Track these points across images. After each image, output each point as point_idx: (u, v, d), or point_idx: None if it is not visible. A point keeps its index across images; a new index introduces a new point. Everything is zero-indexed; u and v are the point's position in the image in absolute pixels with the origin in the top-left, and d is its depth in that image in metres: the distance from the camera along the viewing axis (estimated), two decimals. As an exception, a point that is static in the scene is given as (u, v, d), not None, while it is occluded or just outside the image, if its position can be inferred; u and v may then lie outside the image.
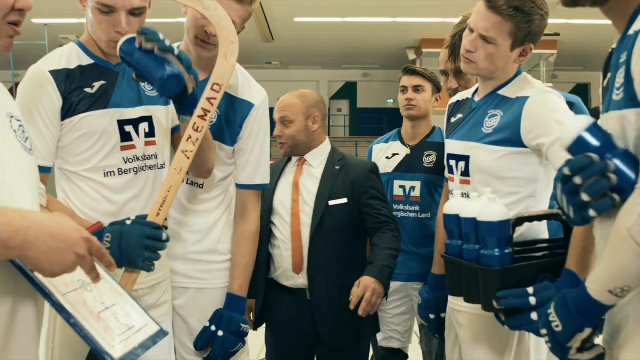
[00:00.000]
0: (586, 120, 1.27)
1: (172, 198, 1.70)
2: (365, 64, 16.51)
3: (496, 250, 1.57)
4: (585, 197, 1.16)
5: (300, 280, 2.44)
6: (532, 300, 1.47)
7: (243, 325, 2.01)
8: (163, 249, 1.65)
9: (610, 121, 1.28)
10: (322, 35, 12.71)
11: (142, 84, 1.88)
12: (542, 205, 1.95)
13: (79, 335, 1.13)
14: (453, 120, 2.13)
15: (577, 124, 1.26)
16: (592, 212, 1.17)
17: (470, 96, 2.11)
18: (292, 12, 11.06)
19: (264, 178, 2.16)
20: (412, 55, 13.23)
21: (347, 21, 11.27)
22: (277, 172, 2.62)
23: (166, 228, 1.70)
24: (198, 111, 1.76)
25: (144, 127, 1.85)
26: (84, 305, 1.18)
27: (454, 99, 2.22)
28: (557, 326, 1.26)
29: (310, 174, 2.57)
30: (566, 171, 1.19)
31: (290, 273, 2.43)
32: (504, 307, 1.52)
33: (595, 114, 2.52)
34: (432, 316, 2.22)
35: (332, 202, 2.49)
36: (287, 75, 15.90)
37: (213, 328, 1.99)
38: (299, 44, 13.41)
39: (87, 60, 1.81)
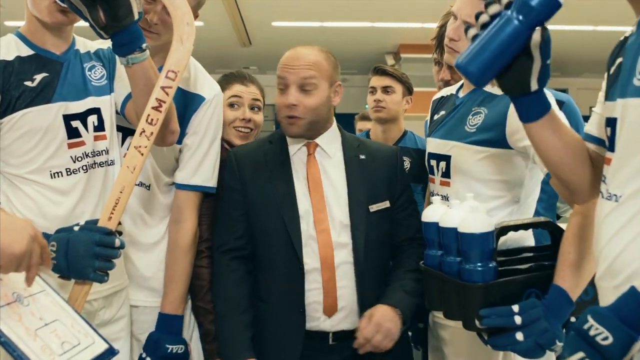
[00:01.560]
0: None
1: (126, 200, 1.56)
2: (343, 69, 16.19)
3: (479, 264, 1.45)
4: None
5: (327, 323, 1.86)
6: (518, 320, 1.35)
7: (170, 347, 1.84)
8: (116, 257, 1.51)
9: (630, 108, 1.16)
10: (300, 40, 12.47)
11: (87, 74, 1.75)
12: (527, 210, 1.85)
13: (11, 355, 1.00)
14: (436, 117, 2.04)
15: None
16: None
17: (454, 92, 2.02)
18: (270, 16, 10.95)
19: (205, 180, 1.96)
20: (390, 61, 13.20)
21: (326, 26, 11.18)
22: (274, 162, 1.93)
23: (120, 233, 1.57)
24: (152, 102, 1.60)
25: (92, 120, 1.72)
26: (19, 322, 1.05)
27: (437, 95, 2.13)
28: (605, 338, 1.05)
29: (330, 167, 1.93)
30: None
31: (315, 314, 1.87)
32: (487, 327, 1.40)
33: None
34: (420, 325, 2.12)
35: (373, 208, 1.90)
36: (265, 80, 15.63)
37: (144, 355, 1.85)
38: (277, 49, 13.24)
39: (26, 51, 1.68)
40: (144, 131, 1.63)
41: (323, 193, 1.90)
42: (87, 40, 1.88)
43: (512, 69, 1.29)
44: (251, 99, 2.35)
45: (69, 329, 1.15)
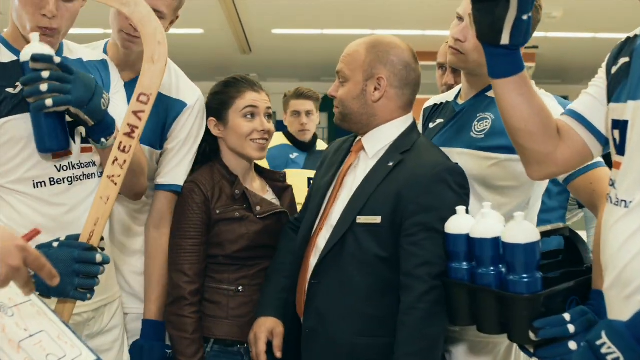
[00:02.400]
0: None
1: (102, 229, 1.50)
2: (344, 77, 16.37)
3: (524, 275, 1.40)
4: None
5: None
6: (571, 329, 1.30)
7: (168, 351, 1.85)
8: (98, 273, 1.45)
9: None
10: (301, 47, 12.63)
11: None
12: (532, 218, 1.83)
13: (-9, 369, 0.97)
14: (432, 125, 2.00)
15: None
16: None
17: (450, 99, 1.98)
18: (270, 23, 10.95)
19: (175, 178, 1.95)
20: (391, 68, 13.16)
21: (326, 33, 11.19)
22: (338, 152, 1.92)
23: (102, 249, 1.51)
24: (124, 128, 1.53)
25: (80, 131, 1.66)
26: (2, 333, 1.02)
27: (430, 102, 2.10)
28: (616, 359, 1.04)
29: (362, 168, 1.80)
30: None
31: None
32: (542, 339, 1.35)
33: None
34: None
35: (361, 219, 1.69)
36: (265, 88, 15.79)
37: None
38: (277, 56, 13.33)
39: (9, 57, 1.62)
40: (116, 159, 1.54)
41: (338, 192, 1.81)
42: (77, 46, 1.83)
43: (487, 9, 1.25)
44: (266, 108, 2.08)
45: (55, 340, 1.12)
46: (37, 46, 1.53)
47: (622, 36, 1.36)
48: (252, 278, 1.99)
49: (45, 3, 1.54)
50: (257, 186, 2.11)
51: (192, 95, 1.98)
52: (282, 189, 2.16)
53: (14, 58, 1.63)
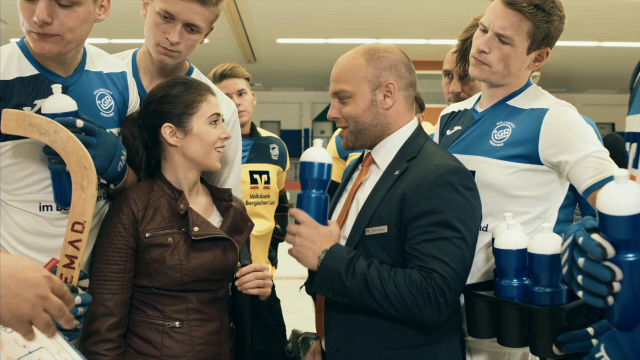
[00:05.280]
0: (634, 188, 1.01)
1: (79, 268, 1.46)
2: (348, 86, 16.36)
3: (550, 287, 1.39)
4: (579, 280, 1.07)
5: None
6: (595, 343, 1.28)
7: None
8: (77, 315, 1.38)
9: None
10: (305, 57, 12.67)
11: (97, 102, 1.66)
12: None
13: (-10, 386, 0.96)
14: (449, 132, 1.97)
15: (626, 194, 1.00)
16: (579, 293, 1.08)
17: (469, 107, 1.96)
18: (275, 33, 11.00)
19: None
20: (395, 77, 13.18)
21: (330, 42, 11.22)
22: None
23: (84, 289, 1.45)
24: (63, 260, 1.44)
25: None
26: (1, 350, 1.01)
27: (448, 110, 2.07)
28: None
29: (371, 181, 1.74)
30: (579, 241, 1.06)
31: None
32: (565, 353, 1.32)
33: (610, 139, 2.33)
34: None
35: (369, 231, 1.62)
36: (269, 97, 15.83)
37: None
38: (282, 66, 13.37)
39: (29, 70, 1.54)
40: (62, 274, 1.46)
41: (349, 206, 1.74)
42: (100, 56, 1.76)
43: None
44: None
45: (54, 357, 1.10)
46: (56, 102, 1.50)
47: (626, 44, 1.34)
48: (192, 312, 1.74)
49: (36, 7, 1.44)
50: (202, 203, 1.87)
51: (228, 108, 1.96)
52: (226, 208, 1.89)
53: (35, 72, 1.56)
